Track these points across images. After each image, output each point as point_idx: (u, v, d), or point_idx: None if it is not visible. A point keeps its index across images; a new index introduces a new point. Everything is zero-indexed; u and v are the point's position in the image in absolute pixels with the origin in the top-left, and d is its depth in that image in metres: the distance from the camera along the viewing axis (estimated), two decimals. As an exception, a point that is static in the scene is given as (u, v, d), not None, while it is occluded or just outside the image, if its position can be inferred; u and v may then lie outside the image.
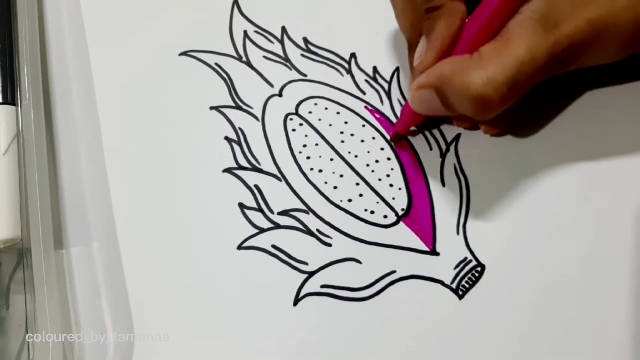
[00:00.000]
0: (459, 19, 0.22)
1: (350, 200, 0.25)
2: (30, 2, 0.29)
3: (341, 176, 0.25)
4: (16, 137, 0.25)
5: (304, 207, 0.25)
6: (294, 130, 0.27)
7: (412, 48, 0.25)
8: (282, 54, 0.29)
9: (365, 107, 0.27)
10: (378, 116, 0.27)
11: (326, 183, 0.25)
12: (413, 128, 0.26)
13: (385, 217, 0.24)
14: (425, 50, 0.23)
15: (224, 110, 0.27)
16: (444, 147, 0.26)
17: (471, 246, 0.23)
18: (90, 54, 0.29)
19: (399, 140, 0.26)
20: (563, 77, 0.24)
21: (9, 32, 0.28)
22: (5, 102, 0.26)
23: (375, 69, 0.28)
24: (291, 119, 0.27)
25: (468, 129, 0.26)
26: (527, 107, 0.25)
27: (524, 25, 0.21)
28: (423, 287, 0.23)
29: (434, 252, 0.23)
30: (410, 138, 0.26)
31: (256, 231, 0.24)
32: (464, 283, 0.23)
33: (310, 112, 0.27)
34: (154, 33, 0.29)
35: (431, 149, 0.26)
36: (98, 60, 0.29)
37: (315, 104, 0.27)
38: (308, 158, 0.26)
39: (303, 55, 0.29)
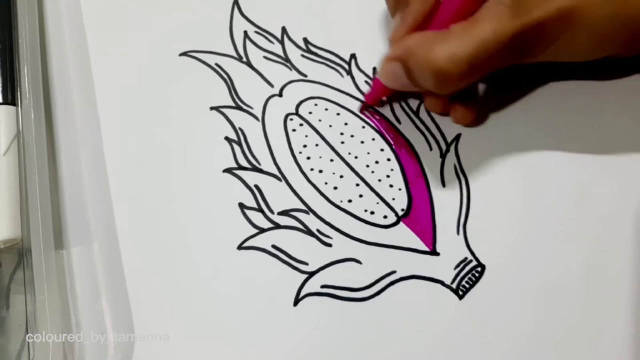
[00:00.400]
0: None
1: (350, 201, 0.25)
2: (30, 2, 0.29)
3: (341, 176, 0.25)
4: (16, 137, 0.25)
5: (304, 207, 0.25)
6: (294, 130, 0.27)
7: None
8: (282, 54, 0.29)
9: (365, 111, 0.27)
10: (378, 117, 0.27)
11: (326, 183, 0.25)
12: (383, 98, 0.26)
13: (385, 217, 0.24)
14: (398, 24, 0.24)
15: (224, 110, 0.27)
16: (443, 147, 0.26)
17: (471, 246, 0.23)
18: (90, 54, 0.29)
19: (366, 109, 0.27)
20: (564, 79, 0.24)
21: (9, 32, 0.28)
22: (5, 102, 0.26)
23: (375, 70, 0.28)
24: (291, 119, 0.27)
25: (439, 114, 0.26)
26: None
27: (494, 9, 0.21)
28: (423, 287, 0.23)
29: (434, 252, 0.24)
30: (410, 138, 0.26)
31: (256, 231, 0.24)
32: (463, 283, 0.23)
33: (310, 113, 0.27)
34: (154, 33, 0.29)
35: (431, 149, 0.26)
36: (98, 60, 0.29)
37: (315, 105, 0.27)
38: (308, 158, 0.26)
39: (303, 56, 0.29)
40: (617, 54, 0.24)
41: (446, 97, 0.25)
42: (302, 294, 0.23)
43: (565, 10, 0.21)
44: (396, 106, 0.27)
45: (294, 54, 0.29)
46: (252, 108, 0.27)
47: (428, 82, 0.22)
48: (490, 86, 0.27)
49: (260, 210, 0.25)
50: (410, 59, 0.22)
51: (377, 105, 0.27)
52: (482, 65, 0.21)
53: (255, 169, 0.26)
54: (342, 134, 0.26)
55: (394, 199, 0.25)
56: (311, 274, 0.23)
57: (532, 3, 0.21)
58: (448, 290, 0.23)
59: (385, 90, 0.26)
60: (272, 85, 0.28)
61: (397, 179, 0.25)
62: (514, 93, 0.26)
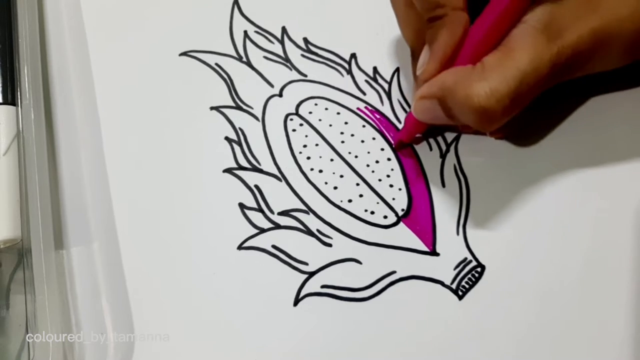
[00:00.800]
0: (462, 27, 0.22)
1: (350, 201, 0.25)
2: (30, 2, 0.29)
3: (341, 176, 0.25)
4: (16, 137, 0.25)
5: (304, 207, 0.25)
6: (294, 130, 0.27)
7: (414, 56, 0.25)
8: (282, 54, 0.29)
9: (365, 108, 0.27)
10: (378, 116, 0.27)
11: (326, 183, 0.25)
12: (417, 135, 0.26)
13: (385, 217, 0.24)
14: (427, 59, 0.23)
15: (224, 110, 0.27)
16: (443, 147, 0.26)
17: (471, 246, 0.23)
18: (90, 53, 0.29)
19: (403, 148, 0.26)
20: (563, 82, 0.24)
21: (9, 32, 0.28)
22: (5, 102, 0.26)
23: (375, 69, 0.28)
24: (291, 119, 0.27)
25: (473, 133, 0.26)
26: (533, 112, 0.25)
27: (526, 34, 0.21)
28: (423, 288, 0.23)
29: (433, 253, 0.24)
30: (410, 140, 0.26)
31: (256, 231, 0.24)
32: (463, 283, 0.23)
33: (310, 112, 0.27)
34: (154, 33, 0.29)
35: (431, 149, 0.26)
36: (98, 60, 0.29)
37: (315, 104, 0.27)
38: (308, 158, 0.26)
39: (303, 56, 0.29)
40: None
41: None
42: (302, 294, 0.23)
43: (598, 31, 0.21)
44: (396, 105, 0.27)
45: (294, 54, 0.29)
46: (252, 108, 0.27)
47: (470, 120, 0.22)
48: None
49: (261, 210, 0.25)
50: (448, 98, 0.22)
51: (413, 142, 0.26)
52: (524, 97, 0.21)
53: (256, 169, 0.26)
54: (342, 133, 0.26)
55: (394, 198, 0.25)
56: (311, 274, 0.23)
57: (564, 25, 0.21)
58: (448, 291, 0.23)
59: (420, 126, 0.25)
60: (272, 85, 0.28)
61: (397, 179, 0.25)
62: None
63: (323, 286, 0.23)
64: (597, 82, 0.26)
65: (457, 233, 0.24)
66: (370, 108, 0.27)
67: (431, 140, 0.26)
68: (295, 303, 0.23)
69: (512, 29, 0.21)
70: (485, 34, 0.21)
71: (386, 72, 0.28)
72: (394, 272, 0.23)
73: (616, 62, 0.23)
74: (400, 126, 0.26)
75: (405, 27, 0.25)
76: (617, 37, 0.21)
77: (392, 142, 0.26)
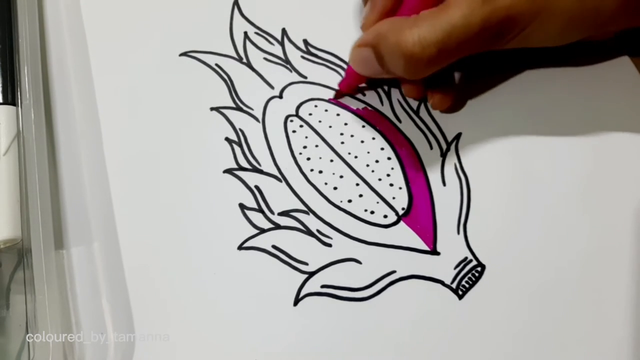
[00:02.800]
0: None
1: (350, 201, 0.25)
2: (31, 2, 0.29)
3: (341, 177, 0.25)
4: (16, 137, 0.25)
5: (304, 208, 0.25)
6: (294, 131, 0.27)
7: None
8: (282, 55, 0.29)
9: (365, 108, 0.27)
10: (378, 116, 0.27)
11: (326, 184, 0.25)
12: (358, 86, 0.27)
13: (385, 216, 0.24)
14: (369, 10, 0.24)
15: (224, 111, 0.27)
16: (444, 146, 0.26)
17: (471, 246, 0.24)
18: (90, 54, 0.29)
19: (341, 97, 0.27)
20: (565, 79, 0.24)
21: (9, 32, 0.28)
22: (5, 102, 0.26)
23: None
24: (291, 121, 0.27)
25: (417, 99, 0.26)
26: (474, 83, 0.25)
27: None
28: (423, 287, 0.23)
29: (434, 252, 0.24)
30: (410, 137, 0.26)
31: (256, 231, 0.24)
32: (463, 283, 0.23)
33: (310, 114, 0.27)
34: (154, 33, 0.29)
35: (431, 147, 0.26)
36: (98, 60, 0.29)
37: (315, 106, 0.27)
38: (308, 159, 0.26)
39: (303, 57, 0.29)
40: (590, 38, 0.24)
41: (422, 83, 0.26)
42: (302, 294, 0.23)
43: None
44: (396, 105, 0.27)
45: (294, 56, 0.29)
46: (252, 109, 0.27)
47: (398, 66, 0.22)
48: (491, 85, 0.27)
49: (261, 210, 0.25)
50: (380, 44, 0.22)
51: (352, 92, 0.27)
52: (452, 51, 0.22)
53: (256, 170, 0.26)
54: (342, 134, 0.26)
55: (394, 197, 0.25)
56: (311, 274, 0.23)
57: None
58: (448, 290, 0.23)
59: (358, 78, 0.26)
60: (272, 87, 0.28)
61: (398, 178, 0.25)
62: (515, 92, 0.27)
63: (323, 286, 0.23)
64: (597, 86, 0.26)
65: (458, 232, 0.24)
66: (370, 109, 0.27)
67: (431, 139, 0.26)
68: (295, 303, 0.23)
69: None
70: None
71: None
72: (393, 272, 0.23)
73: (556, 37, 0.23)
74: (399, 125, 0.26)
75: None
76: (555, 7, 0.21)
77: (389, 137, 0.26)
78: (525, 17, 0.21)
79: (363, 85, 0.27)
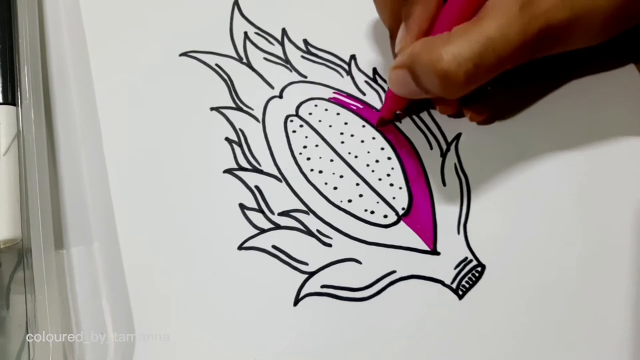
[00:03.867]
0: (435, 2, 0.22)
1: (350, 201, 0.25)
2: (31, 2, 0.29)
3: (341, 177, 0.25)
4: (16, 137, 0.25)
5: (304, 208, 0.25)
6: (294, 131, 0.27)
7: (393, 37, 0.25)
8: (282, 55, 0.29)
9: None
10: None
11: (326, 184, 0.25)
12: (398, 112, 0.26)
13: (385, 216, 0.24)
14: (404, 35, 0.23)
15: (224, 111, 0.27)
16: (444, 146, 0.26)
17: (471, 246, 0.24)
18: (91, 53, 0.29)
19: (385, 125, 0.26)
20: (566, 78, 0.24)
21: (9, 32, 0.28)
22: (5, 102, 0.26)
23: (375, 70, 0.28)
24: (291, 120, 0.27)
25: (452, 116, 0.26)
26: (510, 94, 0.25)
27: (498, 4, 0.21)
28: (423, 287, 0.23)
29: (434, 252, 0.24)
30: (410, 137, 0.26)
31: (256, 231, 0.24)
32: (463, 283, 0.23)
33: (310, 114, 0.27)
34: (154, 33, 0.29)
35: (431, 147, 0.26)
36: (98, 60, 0.29)
37: (315, 105, 0.27)
38: (308, 159, 0.26)
39: (303, 57, 0.29)
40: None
41: (457, 101, 0.25)
42: (302, 294, 0.23)
43: (574, 0, 0.20)
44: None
45: (294, 56, 0.29)
46: (252, 109, 0.27)
47: (435, 86, 0.21)
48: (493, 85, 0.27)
49: (261, 210, 0.25)
50: (415, 65, 0.22)
51: (393, 118, 0.26)
52: (491, 65, 0.21)
53: (256, 170, 0.26)
54: (342, 133, 0.26)
55: (394, 197, 0.25)
56: (311, 274, 0.23)
57: None
58: (448, 290, 0.23)
59: (399, 101, 0.25)
60: (272, 87, 0.28)
61: (398, 178, 0.25)
62: (515, 92, 0.27)
63: (323, 286, 0.23)
64: (597, 84, 0.26)
65: (458, 232, 0.24)
66: (370, 108, 0.27)
67: (431, 139, 0.26)
68: (295, 303, 0.23)
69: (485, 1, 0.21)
70: (460, 7, 0.21)
71: (386, 72, 0.28)
72: (394, 272, 0.23)
73: (597, 36, 0.22)
74: (399, 125, 0.26)
75: (381, 9, 0.25)
76: (594, 8, 0.21)
77: (389, 137, 0.26)
78: (565, 23, 0.21)
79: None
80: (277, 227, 0.24)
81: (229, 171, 0.26)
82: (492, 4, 0.21)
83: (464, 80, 0.21)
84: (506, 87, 0.26)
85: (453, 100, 0.25)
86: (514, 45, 0.20)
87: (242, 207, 0.25)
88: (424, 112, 0.27)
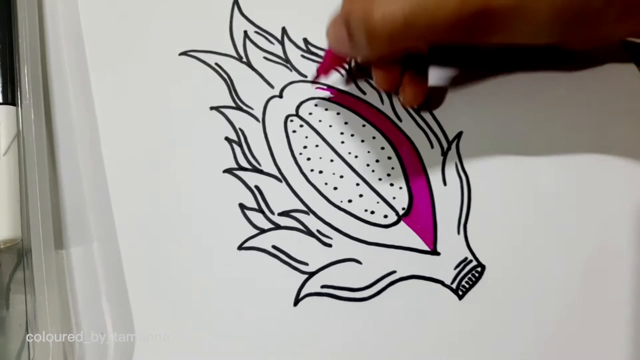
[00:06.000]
0: None
1: (350, 201, 0.25)
2: (30, 2, 0.29)
3: (341, 177, 0.25)
4: (16, 137, 0.25)
5: (304, 208, 0.25)
6: (294, 131, 0.27)
7: None
8: (282, 54, 0.29)
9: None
10: (379, 116, 0.27)
11: (326, 184, 0.25)
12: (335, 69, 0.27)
13: (386, 216, 0.24)
14: None
15: (224, 110, 0.27)
16: (445, 145, 0.26)
17: (471, 246, 0.23)
18: (90, 53, 0.29)
19: (318, 79, 0.27)
20: (566, 78, 0.24)
21: (9, 32, 0.28)
22: (5, 102, 0.26)
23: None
24: (291, 120, 0.27)
25: (387, 91, 0.26)
26: (471, 81, 0.24)
27: None
28: (423, 287, 0.23)
29: (434, 252, 0.24)
30: (411, 136, 0.26)
31: (256, 231, 0.24)
32: (463, 283, 0.23)
33: (310, 113, 0.27)
34: (154, 32, 0.29)
35: (432, 147, 0.26)
36: (97, 60, 0.29)
37: (316, 105, 0.27)
38: (308, 159, 0.26)
39: (303, 56, 0.29)
40: (587, 44, 0.23)
41: (394, 74, 0.25)
42: (302, 294, 0.23)
43: None
44: (397, 104, 0.27)
45: (294, 55, 0.29)
46: (252, 109, 0.27)
47: (362, 42, 0.21)
48: (493, 84, 0.27)
49: (261, 210, 0.25)
50: (350, 19, 0.21)
51: (329, 75, 0.27)
52: (419, 29, 0.20)
53: (256, 170, 0.26)
54: (342, 133, 0.26)
55: (394, 197, 0.25)
56: (311, 274, 0.23)
57: None
58: (448, 290, 0.23)
59: (336, 60, 0.26)
60: (272, 87, 0.28)
61: (398, 177, 0.25)
62: (517, 91, 0.26)
63: (323, 286, 0.23)
64: (597, 83, 0.26)
65: (458, 232, 0.24)
66: (370, 107, 0.27)
67: (432, 138, 0.26)
68: (295, 303, 0.23)
69: None
70: None
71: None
72: (394, 272, 0.23)
73: (543, 33, 0.22)
74: (400, 124, 0.26)
75: None
76: (539, 1, 0.20)
77: (389, 136, 0.26)
78: (505, 10, 0.20)
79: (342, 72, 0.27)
80: (277, 227, 0.24)
81: (228, 171, 0.26)
82: None
83: (388, 36, 0.20)
84: (469, 74, 0.26)
85: (390, 73, 0.25)
86: (448, 16, 0.20)
87: (242, 207, 0.25)
88: (425, 110, 0.27)
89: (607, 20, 0.22)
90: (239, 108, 0.27)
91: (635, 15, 0.21)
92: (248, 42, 0.29)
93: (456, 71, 0.26)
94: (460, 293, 0.23)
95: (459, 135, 0.26)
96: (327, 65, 0.26)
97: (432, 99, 0.27)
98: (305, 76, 0.28)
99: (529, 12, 0.20)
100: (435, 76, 0.27)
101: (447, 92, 0.27)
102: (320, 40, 0.29)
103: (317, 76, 0.27)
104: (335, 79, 0.28)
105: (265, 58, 0.29)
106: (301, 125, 0.27)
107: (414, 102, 0.25)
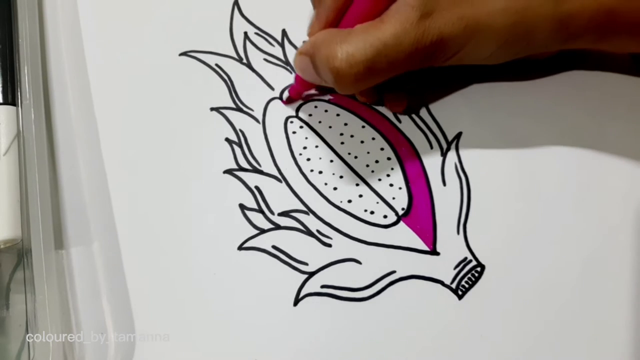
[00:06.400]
0: None
1: (350, 201, 0.25)
2: (31, 2, 0.29)
3: (341, 177, 0.25)
4: (16, 137, 0.25)
5: (304, 208, 0.25)
6: (294, 132, 0.27)
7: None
8: (282, 57, 0.29)
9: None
10: (378, 116, 0.27)
11: (326, 184, 0.25)
12: (306, 93, 0.27)
13: (385, 216, 0.24)
14: (313, 21, 0.24)
15: (224, 111, 0.27)
16: (444, 146, 0.26)
17: (471, 246, 0.24)
18: (90, 54, 0.29)
19: (291, 103, 0.27)
20: (566, 77, 0.24)
21: (9, 32, 0.28)
22: (5, 102, 0.26)
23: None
24: (291, 122, 0.27)
25: (372, 104, 0.27)
26: (450, 68, 0.25)
27: (400, 9, 0.21)
28: (422, 287, 0.23)
29: (434, 252, 0.24)
30: (410, 137, 0.26)
31: (256, 232, 0.24)
32: (463, 283, 0.23)
33: (310, 115, 0.27)
34: (154, 33, 0.29)
35: (432, 147, 0.26)
36: (97, 60, 0.29)
37: (315, 107, 0.27)
38: (308, 160, 0.26)
39: (303, 58, 0.29)
40: (534, 56, 0.24)
41: (370, 94, 0.26)
42: (302, 294, 0.23)
43: (468, 19, 0.21)
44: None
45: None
46: (252, 110, 0.27)
47: (329, 80, 0.22)
48: (492, 84, 0.27)
49: (261, 211, 0.25)
50: (315, 56, 0.22)
51: (301, 99, 0.27)
52: (381, 69, 0.21)
53: (256, 170, 0.26)
54: (341, 134, 0.27)
55: (394, 198, 0.25)
56: (311, 274, 0.23)
57: (437, 7, 0.21)
58: (448, 290, 0.23)
59: (305, 84, 0.26)
60: (272, 88, 0.28)
61: (398, 178, 0.25)
62: (516, 91, 0.27)
63: (323, 286, 0.23)
64: (597, 83, 0.26)
65: (458, 232, 0.24)
66: (369, 109, 0.27)
67: (432, 139, 0.26)
68: (295, 303, 0.23)
69: (392, 3, 0.22)
70: (366, 6, 0.22)
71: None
72: (393, 272, 0.23)
73: (490, 58, 0.23)
74: (399, 125, 0.27)
75: None
76: (488, 30, 0.21)
77: (388, 137, 0.26)
78: (458, 40, 0.21)
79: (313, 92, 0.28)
80: (277, 227, 0.24)
81: (229, 171, 0.26)
82: (396, 9, 0.21)
83: (353, 80, 0.21)
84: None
85: (368, 97, 0.26)
86: (406, 54, 0.21)
87: (242, 207, 0.25)
88: (424, 111, 0.27)
89: (551, 47, 0.23)
90: (239, 109, 0.27)
91: (577, 40, 0.22)
92: (248, 44, 0.29)
93: (455, 72, 0.27)
94: (460, 293, 0.23)
95: (458, 136, 0.26)
96: (298, 89, 0.27)
97: (432, 99, 0.27)
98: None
99: (479, 40, 0.22)
100: (435, 77, 0.27)
101: (446, 92, 0.27)
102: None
103: (289, 98, 0.27)
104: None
105: (266, 60, 0.29)
106: (301, 127, 0.27)
107: (397, 109, 0.26)
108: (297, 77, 0.26)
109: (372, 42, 0.21)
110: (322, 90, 0.28)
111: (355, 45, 0.21)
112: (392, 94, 0.26)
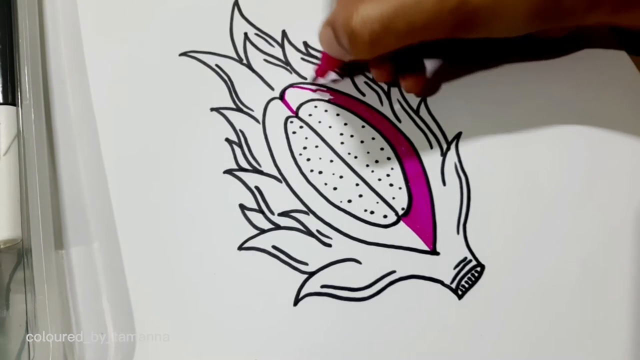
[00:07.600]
0: None
1: (349, 201, 0.25)
2: (31, 2, 0.29)
3: (341, 177, 0.26)
4: (16, 137, 0.25)
5: (304, 208, 0.25)
6: (294, 132, 0.27)
7: None
8: (282, 57, 0.29)
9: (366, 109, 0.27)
10: (378, 116, 0.27)
11: (326, 184, 0.25)
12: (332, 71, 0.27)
13: (385, 216, 0.24)
14: None
15: (224, 111, 0.27)
16: (444, 146, 0.26)
17: (471, 246, 0.24)
18: (90, 54, 0.29)
19: (316, 80, 0.28)
20: (566, 77, 0.24)
21: (9, 32, 0.28)
22: (5, 102, 0.26)
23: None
24: (291, 122, 0.27)
25: (386, 83, 0.27)
26: (450, 68, 0.25)
27: None
28: (422, 287, 0.23)
29: (434, 252, 0.24)
30: (410, 137, 0.26)
31: (256, 232, 0.24)
32: (463, 283, 0.23)
33: (310, 115, 0.27)
34: (154, 33, 0.29)
35: (431, 147, 0.26)
36: (97, 60, 0.29)
37: (315, 107, 0.27)
38: (308, 160, 0.26)
39: (303, 59, 0.29)
40: (550, 33, 0.24)
41: (389, 67, 0.25)
42: (302, 294, 0.23)
43: None
44: (396, 104, 0.27)
45: (294, 58, 0.29)
46: (252, 110, 0.27)
47: (346, 44, 0.21)
48: (492, 84, 0.27)
49: (261, 211, 0.25)
50: (335, 23, 0.22)
51: (326, 77, 0.27)
52: (399, 31, 0.20)
53: (256, 171, 0.26)
54: (341, 134, 0.27)
55: (394, 198, 0.25)
56: (311, 274, 0.23)
57: None
58: (447, 290, 0.23)
59: (332, 62, 0.26)
60: (272, 89, 0.28)
61: (397, 178, 0.25)
62: (515, 91, 0.27)
63: (323, 286, 0.23)
64: (597, 83, 0.26)
65: (458, 232, 0.24)
66: (369, 108, 0.27)
67: (432, 138, 0.26)
68: (295, 303, 0.23)
69: None
70: None
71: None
72: (393, 272, 0.23)
73: (520, 27, 0.22)
74: (399, 125, 0.27)
75: None
76: None
77: (388, 137, 0.26)
78: (483, 7, 0.20)
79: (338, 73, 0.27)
80: (277, 227, 0.24)
81: (229, 172, 0.26)
82: None
83: (368, 40, 0.21)
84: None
85: (385, 66, 0.25)
86: (428, 17, 0.20)
87: (242, 207, 0.25)
88: (424, 111, 0.27)
89: (577, 12, 0.22)
90: (239, 109, 0.27)
91: (600, 7, 0.22)
92: (248, 44, 0.29)
93: (455, 72, 0.27)
94: (460, 293, 0.23)
95: (458, 136, 0.26)
96: (324, 67, 0.27)
97: (432, 99, 0.27)
98: (305, 78, 0.28)
99: (507, 9, 0.21)
100: (435, 76, 0.27)
101: (446, 92, 0.27)
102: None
103: (315, 78, 0.27)
104: (334, 81, 0.28)
105: (266, 60, 0.29)
106: (301, 127, 0.27)
107: (414, 90, 0.26)
108: (323, 55, 0.26)
109: (390, 2, 0.20)
110: (345, 71, 0.27)
111: (372, 4, 0.20)
112: (410, 73, 0.25)
